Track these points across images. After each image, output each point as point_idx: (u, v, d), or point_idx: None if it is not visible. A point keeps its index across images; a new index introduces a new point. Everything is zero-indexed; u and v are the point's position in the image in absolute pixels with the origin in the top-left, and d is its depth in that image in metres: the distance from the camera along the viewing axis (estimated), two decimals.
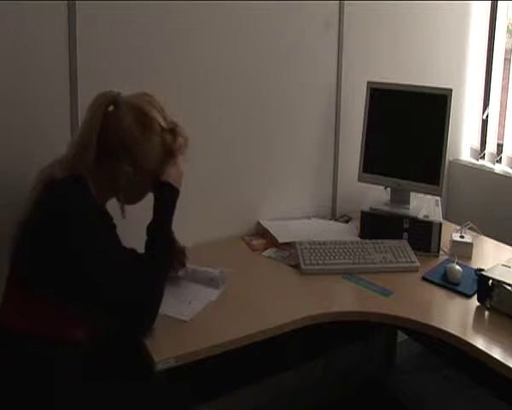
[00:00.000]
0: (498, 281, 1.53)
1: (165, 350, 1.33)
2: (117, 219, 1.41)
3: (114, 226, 1.39)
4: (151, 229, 1.44)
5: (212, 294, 1.61)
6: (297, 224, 2.14)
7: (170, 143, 1.42)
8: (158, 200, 1.45)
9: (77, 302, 1.31)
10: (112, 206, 1.44)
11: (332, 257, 1.81)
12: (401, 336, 2.49)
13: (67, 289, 1.28)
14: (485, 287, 1.56)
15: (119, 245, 1.39)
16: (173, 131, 1.43)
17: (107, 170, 1.38)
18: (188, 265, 1.66)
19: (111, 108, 1.37)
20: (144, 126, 1.37)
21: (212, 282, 1.64)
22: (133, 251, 1.50)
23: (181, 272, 1.64)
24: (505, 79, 2.46)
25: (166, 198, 1.45)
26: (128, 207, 1.45)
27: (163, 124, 1.40)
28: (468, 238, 1.94)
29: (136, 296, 1.34)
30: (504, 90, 2.46)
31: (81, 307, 1.32)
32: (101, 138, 1.34)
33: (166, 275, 1.47)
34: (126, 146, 1.36)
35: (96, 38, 1.65)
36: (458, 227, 2.03)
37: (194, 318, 1.48)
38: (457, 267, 1.73)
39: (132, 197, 1.46)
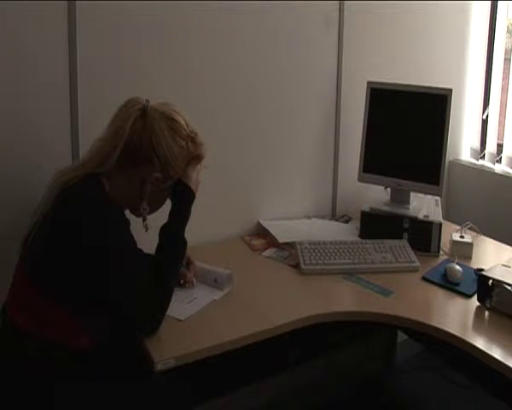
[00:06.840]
0: (498, 281, 1.53)
1: (165, 350, 1.32)
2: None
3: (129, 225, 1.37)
4: (165, 232, 1.43)
5: (215, 294, 1.60)
6: (297, 224, 2.14)
7: (193, 151, 1.45)
8: (176, 202, 1.46)
9: (88, 314, 1.31)
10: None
11: (332, 257, 1.81)
12: (401, 336, 2.49)
13: (84, 300, 1.28)
14: (485, 287, 1.56)
15: (137, 252, 1.38)
16: (194, 139, 1.45)
17: (131, 177, 1.38)
18: (196, 262, 1.66)
19: (140, 113, 1.36)
20: (175, 132, 1.39)
21: (215, 283, 1.63)
22: (141, 251, 1.49)
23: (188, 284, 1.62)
24: (505, 79, 2.46)
25: (184, 201, 1.46)
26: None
27: (188, 130, 1.43)
28: (468, 238, 1.94)
29: (148, 307, 1.34)
30: (504, 90, 2.46)
31: (89, 318, 1.32)
32: (129, 145, 1.34)
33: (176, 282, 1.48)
34: (158, 151, 1.36)
35: (96, 38, 1.65)
36: (458, 227, 2.03)
37: (190, 318, 1.47)
38: (457, 267, 1.73)
39: (155, 205, 1.46)
